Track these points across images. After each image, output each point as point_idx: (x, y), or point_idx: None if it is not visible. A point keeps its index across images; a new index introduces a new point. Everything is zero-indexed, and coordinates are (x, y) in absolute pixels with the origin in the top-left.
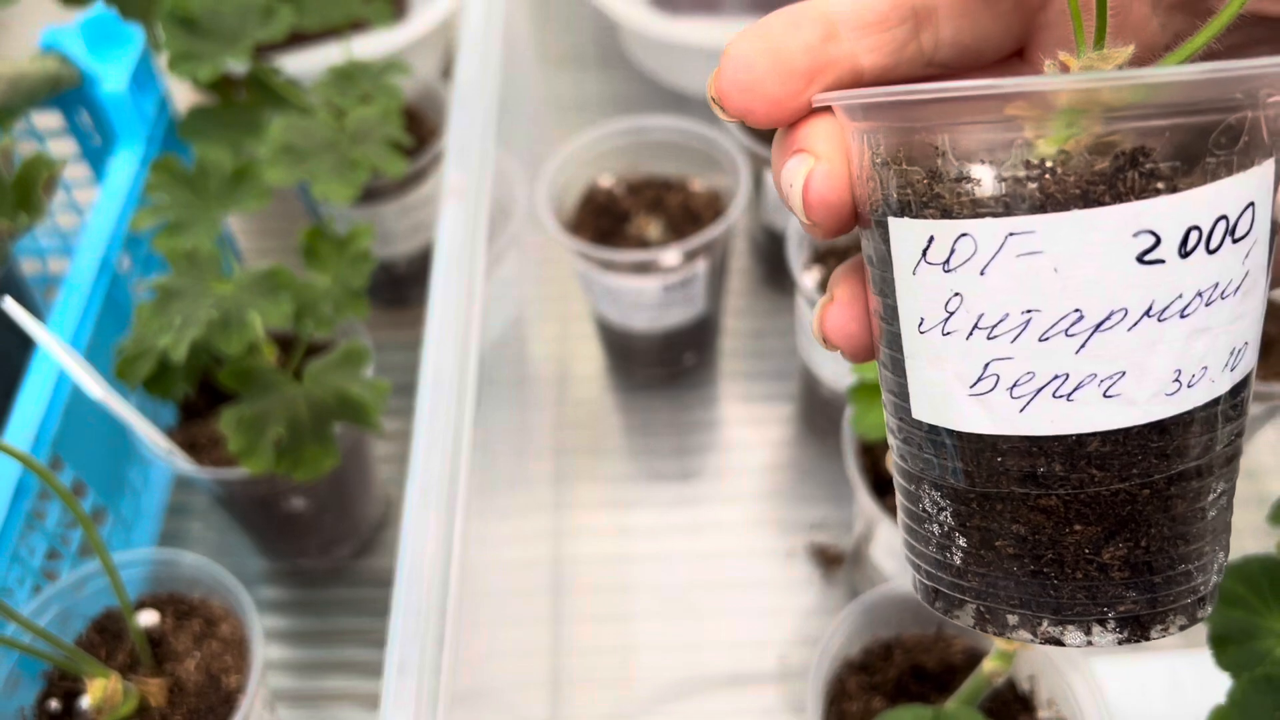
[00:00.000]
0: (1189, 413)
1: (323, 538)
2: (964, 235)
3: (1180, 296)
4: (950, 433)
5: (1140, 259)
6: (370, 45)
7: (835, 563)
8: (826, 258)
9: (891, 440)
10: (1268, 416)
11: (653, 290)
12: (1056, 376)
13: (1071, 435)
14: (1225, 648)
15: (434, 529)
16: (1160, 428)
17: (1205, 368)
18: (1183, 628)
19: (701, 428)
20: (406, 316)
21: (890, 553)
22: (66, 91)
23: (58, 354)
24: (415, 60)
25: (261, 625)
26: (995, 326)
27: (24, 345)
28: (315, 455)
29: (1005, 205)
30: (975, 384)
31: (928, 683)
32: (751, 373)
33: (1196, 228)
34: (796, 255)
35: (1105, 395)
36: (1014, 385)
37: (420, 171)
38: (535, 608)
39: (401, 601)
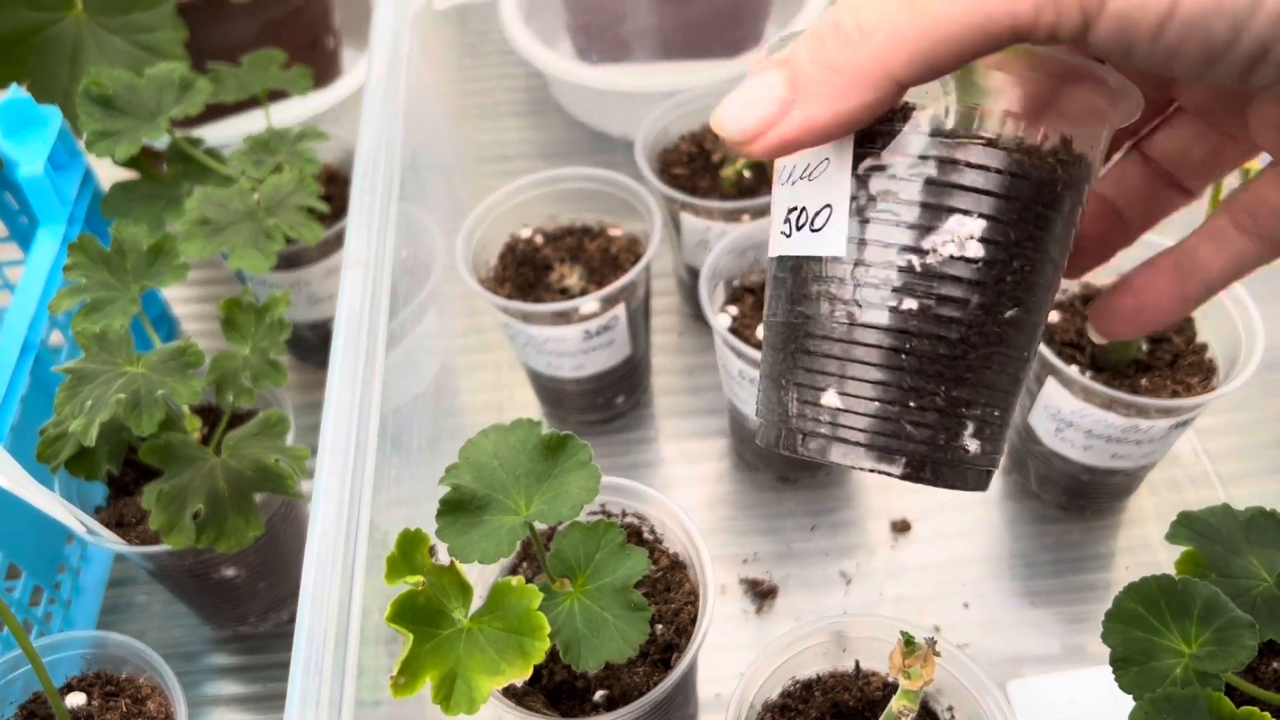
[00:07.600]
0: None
1: (261, 604)
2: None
3: None
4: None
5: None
6: (294, 111)
7: (768, 596)
8: (742, 296)
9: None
10: (1176, 430)
11: (574, 338)
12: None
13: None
14: (1126, 669)
15: (332, 589)
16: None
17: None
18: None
19: (639, 469)
20: None
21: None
22: None
23: None
24: (341, 124)
25: (212, 691)
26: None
27: None
28: (238, 526)
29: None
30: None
31: None
32: (685, 410)
33: None
34: (709, 296)
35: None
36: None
37: (344, 233)
38: None
39: (299, 667)
